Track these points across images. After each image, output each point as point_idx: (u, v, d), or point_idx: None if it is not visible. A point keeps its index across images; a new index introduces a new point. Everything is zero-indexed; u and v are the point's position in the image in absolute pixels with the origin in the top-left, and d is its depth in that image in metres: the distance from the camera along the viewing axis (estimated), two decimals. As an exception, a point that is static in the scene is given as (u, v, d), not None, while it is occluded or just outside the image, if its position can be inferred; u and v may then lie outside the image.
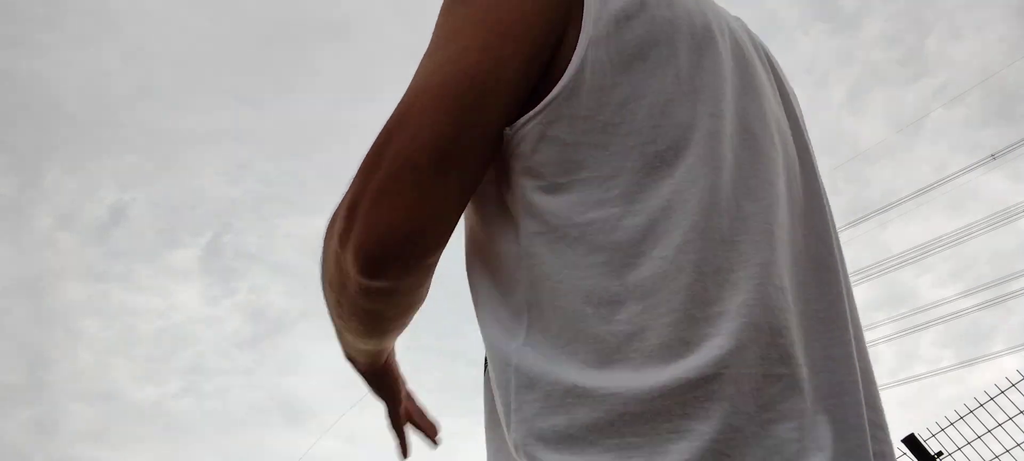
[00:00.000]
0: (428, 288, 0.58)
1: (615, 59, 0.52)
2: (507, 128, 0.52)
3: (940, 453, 3.00)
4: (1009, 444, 2.86)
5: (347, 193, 0.52)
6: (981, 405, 2.92)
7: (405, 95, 0.52)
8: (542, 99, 0.52)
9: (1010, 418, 2.86)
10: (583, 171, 0.51)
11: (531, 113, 0.52)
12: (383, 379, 0.74)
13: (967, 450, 2.97)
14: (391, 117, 0.52)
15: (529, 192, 0.52)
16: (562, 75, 0.52)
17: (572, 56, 0.52)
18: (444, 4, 0.57)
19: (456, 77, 0.50)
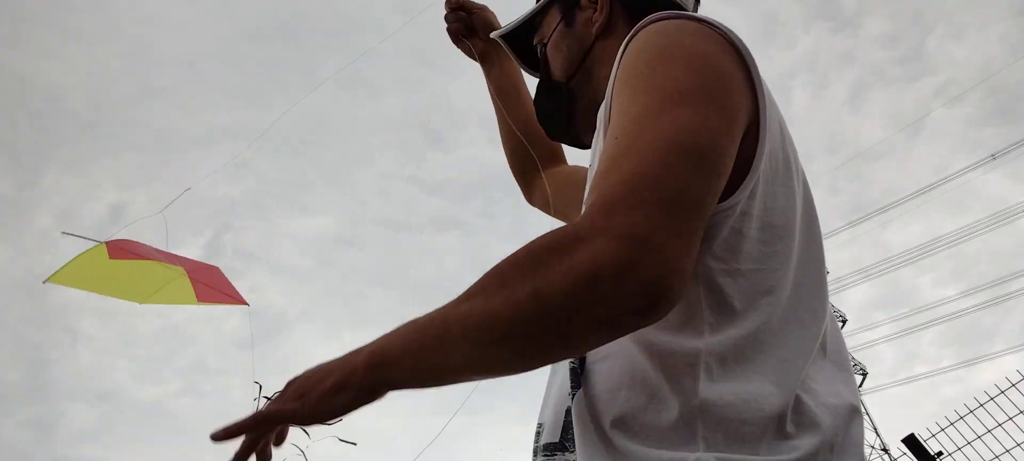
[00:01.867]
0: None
1: (773, 173, 0.65)
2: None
3: (940, 453, 3.00)
4: (1009, 444, 2.86)
5: (612, 220, 0.51)
6: (981, 405, 2.92)
7: (653, 136, 0.56)
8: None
9: (1010, 418, 2.86)
10: (753, 262, 0.62)
11: (724, 204, 0.60)
12: (364, 403, 0.64)
13: (967, 450, 2.96)
14: (644, 153, 0.55)
15: (712, 271, 0.61)
16: (748, 173, 0.62)
17: (753, 158, 0.62)
18: (664, 53, 0.63)
19: (711, 148, 0.56)
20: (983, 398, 2.92)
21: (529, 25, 0.98)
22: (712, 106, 0.58)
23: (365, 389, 0.60)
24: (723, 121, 0.58)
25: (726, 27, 0.65)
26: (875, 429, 25.61)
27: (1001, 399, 2.88)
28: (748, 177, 0.61)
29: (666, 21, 0.67)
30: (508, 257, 0.55)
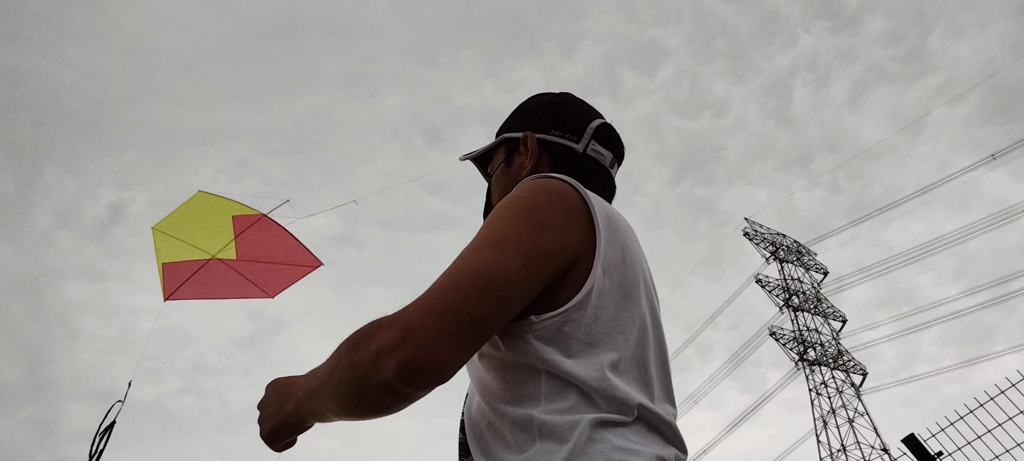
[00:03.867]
0: (408, 407, 0.82)
1: (608, 289, 0.87)
2: (533, 316, 0.84)
3: (940, 453, 3.00)
4: (1009, 444, 2.86)
5: (403, 316, 0.76)
6: (981, 405, 2.92)
7: (462, 268, 0.79)
8: (555, 296, 0.85)
9: (1010, 418, 2.86)
10: (582, 350, 0.84)
11: (554, 313, 0.84)
12: (299, 432, 0.96)
13: (967, 450, 2.96)
14: (449, 279, 0.79)
15: (545, 353, 0.84)
16: (577, 291, 0.85)
17: (585, 281, 0.85)
18: (508, 204, 0.87)
19: (501, 277, 0.79)
20: (984, 397, 2.92)
21: (486, 157, 1.24)
22: (517, 251, 0.81)
23: (295, 424, 0.93)
24: (524, 263, 0.80)
25: (578, 186, 0.90)
26: (875, 429, 25.64)
27: (1001, 399, 2.87)
28: (578, 295, 0.84)
29: (535, 179, 0.91)
30: (350, 335, 0.81)
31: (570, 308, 0.84)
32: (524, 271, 0.80)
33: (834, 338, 28.27)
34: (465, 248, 0.83)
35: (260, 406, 0.97)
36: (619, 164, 1.16)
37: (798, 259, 30.93)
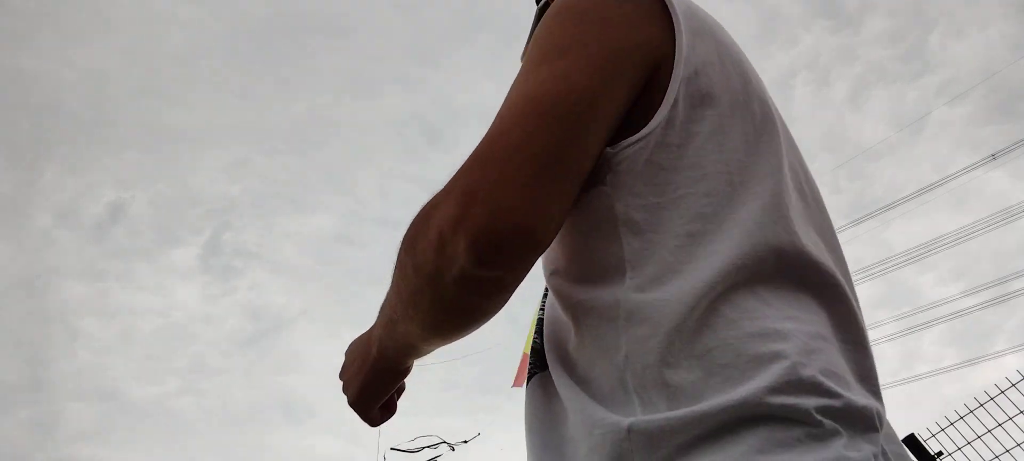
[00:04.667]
0: (507, 300, 0.59)
1: (696, 99, 0.61)
2: (609, 148, 0.59)
3: (940, 453, 3.00)
4: (1009, 444, 2.86)
5: (456, 182, 0.54)
6: (981, 405, 2.92)
7: (513, 100, 0.58)
8: (633, 121, 0.60)
9: (1010, 418, 2.86)
10: (672, 191, 0.59)
11: (634, 138, 0.59)
12: (395, 380, 0.75)
13: (967, 450, 2.96)
14: (499, 118, 0.57)
15: (631, 200, 0.59)
16: (659, 105, 0.60)
17: (666, 89, 0.60)
18: (555, 12, 0.63)
19: (566, 94, 0.56)
20: (984, 397, 2.92)
21: None
22: (581, 54, 0.58)
23: (388, 373, 0.73)
24: (594, 66, 0.57)
25: None
26: (875, 429, 25.49)
27: (1001, 399, 2.88)
28: (661, 107, 0.59)
29: None
30: (406, 231, 0.59)
31: (656, 129, 0.59)
32: (597, 75, 0.57)
33: (834, 338, 28.14)
34: (514, 82, 0.61)
35: (341, 373, 0.77)
36: None
37: (798, 259, 30.79)
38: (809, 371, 0.52)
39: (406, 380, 0.79)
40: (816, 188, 0.71)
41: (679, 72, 0.60)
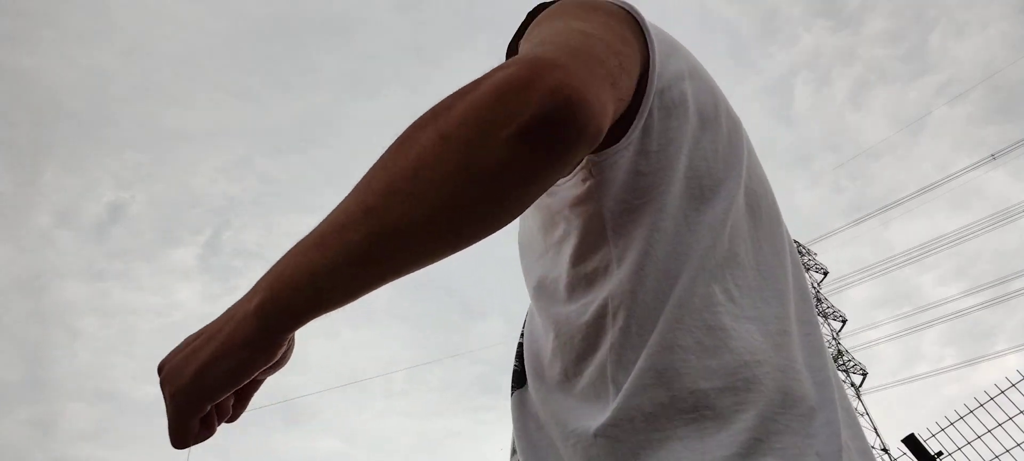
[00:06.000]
0: (542, 189, 0.49)
1: (669, 110, 0.63)
2: (592, 156, 0.61)
3: (940, 453, 3.00)
4: (1009, 444, 2.86)
5: (526, 55, 0.48)
6: (981, 405, 2.92)
7: (574, 28, 0.56)
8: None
9: (1010, 418, 2.86)
10: (650, 194, 0.62)
11: (618, 146, 0.61)
12: (262, 357, 0.52)
13: (967, 450, 2.96)
14: (560, 36, 0.54)
15: (615, 211, 0.62)
16: (636, 113, 0.61)
17: (643, 97, 0.62)
18: (560, 6, 0.64)
19: (612, 40, 0.56)
20: (984, 397, 2.92)
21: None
22: (610, 28, 0.59)
23: (260, 338, 0.50)
24: (621, 40, 0.59)
25: None
26: (875, 429, 25.62)
27: (1001, 399, 2.88)
28: (638, 117, 0.61)
29: None
30: (414, 121, 0.49)
31: (635, 135, 0.61)
32: (625, 47, 0.58)
33: (834, 338, 28.25)
34: (539, 30, 0.60)
35: (164, 361, 0.55)
36: None
37: (798, 259, 30.90)
38: (794, 389, 0.57)
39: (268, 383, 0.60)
40: (774, 204, 0.73)
41: (653, 84, 0.62)
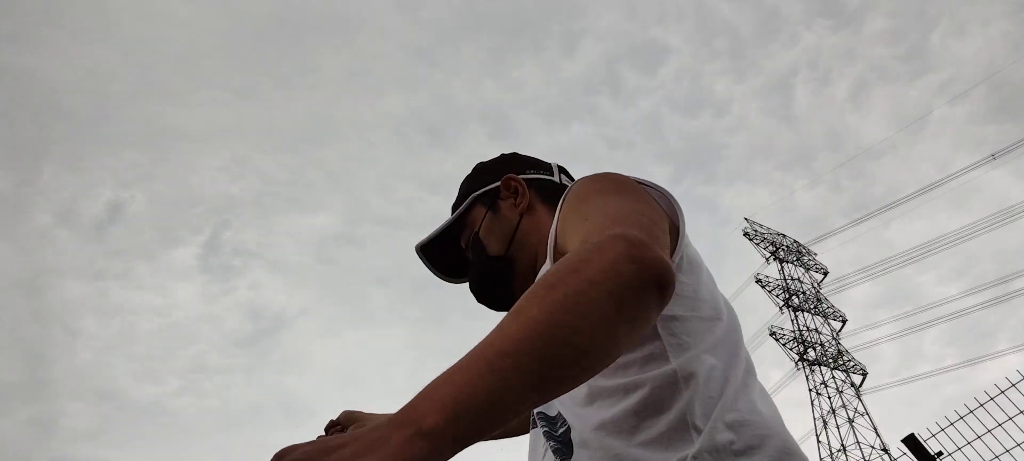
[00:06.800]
0: (651, 323, 0.66)
1: (691, 262, 0.88)
2: None
3: (940, 453, 3.00)
4: (1009, 444, 2.86)
5: (614, 232, 0.65)
6: (981, 405, 2.92)
7: (615, 205, 0.77)
8: None
9: (1010, 418, 2.86)
10: (691, 308, 0.84)
11: None
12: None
13: (967, 450, 2.97)
14: (616, 210, 0.76)
15: (664, 316, 0.81)
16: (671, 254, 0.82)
17: (675, 246, 0.84)
18: (597, 180, 0.87)
19: (653, 217, 0.77)
20: (985, 397, 2.92)
21: (449, 233, 1.16)
22: (646, 203, 0.80)
23: (428, 457, 0.47)
24: (657, 213, 0.79)
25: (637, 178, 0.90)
26: (875, 429, 25.64)
27: (1001, 399, 2.88)
28: (673, 258, 0.83)
29: (596, 174, 0.89)
30: (548, 275, 0.58)
31: (676, 264, 0.84)
32: (661, 220, 0.80)
33: (834, 338, 28.26)
34: (586, 212, 0.80)
35: (284, 453, 0.49)
36: None
37: (798, 259, 30.92)
38: (790, 444, 0.78)
39: None
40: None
41: (683, 241, 0.85)
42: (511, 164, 1.16)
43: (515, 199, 1.10)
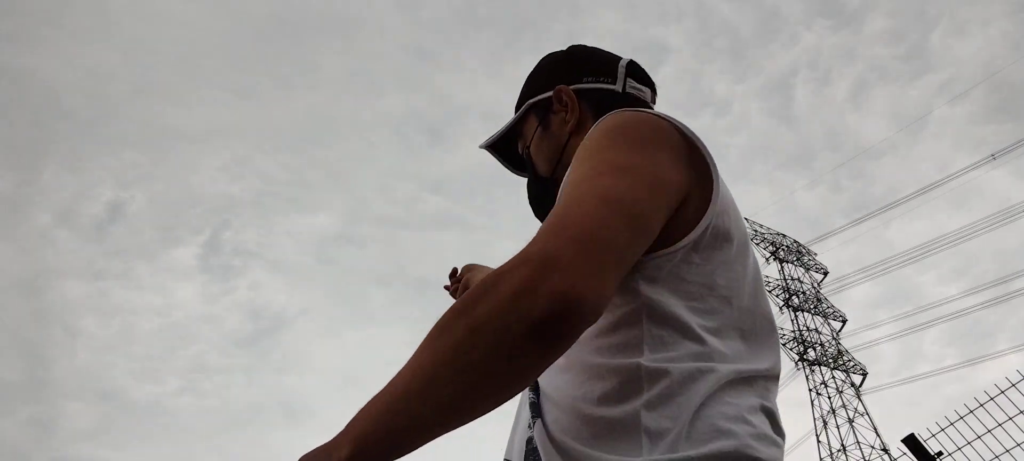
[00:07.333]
0: (548, 364, 0.63)
1: (720, 233, 0.77)
2: (644, 256, 0.73)
3: (940, 453, 3.00)
4: (1009, 444, 2.86)
5: (536, 249, 0.61)
6: (981, 405, 2.92)
7: (585, 193, 0.68)
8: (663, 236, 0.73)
9: (1010, 418, 2.86)
10: (691, 299, 0.75)
11: (667, 250, 0.74)
12: None
13: (967, 450, 2.97)
14: (573, 205, 0.66)
15: (655, 295, 0.73)
16: (691, 229, 0.74)
17: (699, 219, 0.75)
18: (606, 138, 0.77)
19: (632, 205, 0.68)
20: (985, 397, 2.92)
21: (510, 134, 1.13)
22: (640, 177, 0.71)
23: None
24: (651, 190, 0.70)
25: (677, 120, 0.80)
26: (875, 429, 25.64)
27: (1001, 399, 2.87)
28: (694, 232, 0.75)
29: (624, 110, 0.81)
30: (448, 312, 0.63)
31: (686, 246, 0.74)
32: (653, 199, 0.70)
33: (834, 338, 28.26)
34: (573, 179, 0.72)
35: None
36: (655, 100, 1.07)
37: (798, 259, 30.92)
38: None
39: None
40: (764, 311, 0.84)
41: (715, 208, 0.76)
42: (569, 67, 1.06)
43: (565, 113, 1.02)
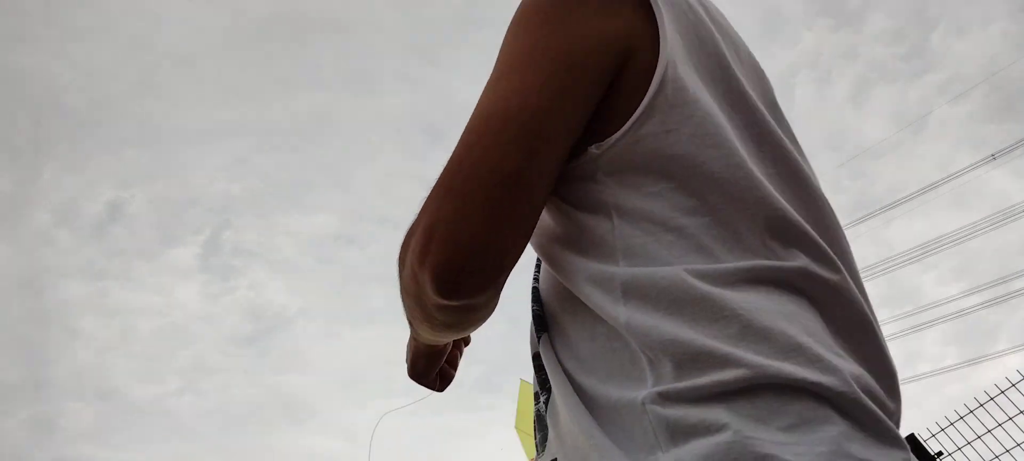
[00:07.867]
0: (496, 304, 0.63)
1: (676, 92, 0.59)
2: (593, 148, 0.59)
3: (940, 453, 3.00)
4: (1009, 444, 2.86)
5: (423, 213, 0.56)
6: (981, 405, 2.92)
7: (473, 119, 0.58)
8: (614, 112, 0.59)
9: (1010, 418, 2.86)
10: (659, 184, 0.59)
11: (616, 136, 0.58)
12: (435, 358, 0.86)
13: (967, 450, 2.97)
14: (460, 141, 0.58)
15: (619, 194, 0.59)
16: (643, 97, 0.58)
17: (651, 78, 0.58)
18: (510, 27, 0.64)
19: (521, 109, 0.56)
20: (985, 397, 2.92)
21: None
22: (536, 67, 0.57)
23: (423, 352, 0.84)
24: (551, 78, 0.57)
25: None
26: (875, 428, 25.47)
27: (1001, 399, 2.88)
28: (644, 101, 0.58)
29: None
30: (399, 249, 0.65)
31: (636, 121, 0.58)
32: (554, 89, 0.56)
33: (835, 338, 28.15)
34: (482, 91, 0.61)
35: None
36: None
37: (799, 258, 30.82)
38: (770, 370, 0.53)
39: (462, 348, 0.93)
40: (785, 152, 0.66)
41: (661, 64, 0.58)
42: None
43: None
